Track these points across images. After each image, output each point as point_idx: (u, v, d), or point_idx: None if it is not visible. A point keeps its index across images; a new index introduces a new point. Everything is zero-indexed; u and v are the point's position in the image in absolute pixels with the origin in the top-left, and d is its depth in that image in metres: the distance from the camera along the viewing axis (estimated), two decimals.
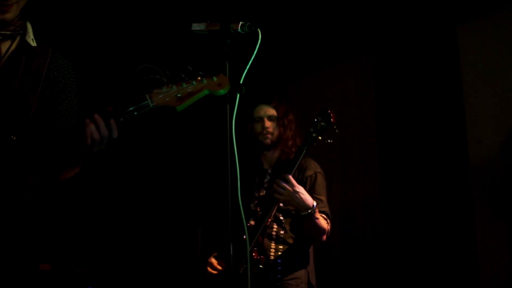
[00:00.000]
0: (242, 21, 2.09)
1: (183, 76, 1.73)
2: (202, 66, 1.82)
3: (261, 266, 2.86)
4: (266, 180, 3.10)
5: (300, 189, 2.82)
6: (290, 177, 2.81)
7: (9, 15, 1.91)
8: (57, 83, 2.04)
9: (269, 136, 3.10)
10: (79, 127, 1.86)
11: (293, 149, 3.09)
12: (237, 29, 2.06)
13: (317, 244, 3.08)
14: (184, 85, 1.73)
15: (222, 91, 1.76)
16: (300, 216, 2.86)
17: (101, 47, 4.13)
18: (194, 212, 4.63)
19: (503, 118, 3.73)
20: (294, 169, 2.87)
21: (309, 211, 2.80)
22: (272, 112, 3.14)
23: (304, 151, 2.89)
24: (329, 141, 2.93)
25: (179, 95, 1.72)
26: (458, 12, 3.96)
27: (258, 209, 2.99)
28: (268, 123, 3.10)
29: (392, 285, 4.08)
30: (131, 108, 1.74)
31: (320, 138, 2.91)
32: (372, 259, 4.28)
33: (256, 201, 3.04)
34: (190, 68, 1.74)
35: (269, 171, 3.13)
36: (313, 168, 3.07)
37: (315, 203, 2.84)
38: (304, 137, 2.96)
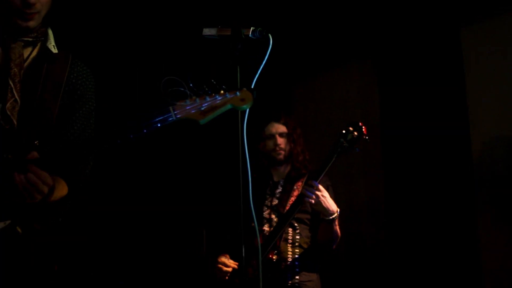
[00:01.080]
0: (250, 25, 2.11)
1: (206, 89, 1.75)
2: (217, 74, 1.84)
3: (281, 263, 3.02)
4: (278, 190, 3.24)
5: (327, 194, 2.97)
6: (317, 183, 2.95)
7: (32, 23, 1.94)
8: (75, 90, 2.06)
9: (282, 152, 3.25)
10: (86, 140, 1.90)
11: (305, 163, 3.27)
12: (248, 34, 2.09)
13: (327, 252, 3.23)
14: (208, 99, 1.75)
15: (245, 106, 1.79)
16: (324, 221, 3.00)
17: (119, 54, 4.16)
18: (199, 213, 4.64)
19: (506, 120, 3.77)
20: (321, 176, 2.99)
21: (334, 215, 2.97)
22: (282, 129, 3.29)
23: (334, 160, 3.02)
24: (358, 151, 3.09)
25: (202, 108, 1.74)
26: (462, 14, 3.99)
27: (273, 216, 3.12)
28: (280, 140, 3.25)
29: (396, 286, 4.13)
30: (155, 120, 1.76)
31: (351, 148, 3.06)
32: (376, 260, 4.32)
33: (269, 210, 3.17)
34: (214, 82, 1.76)
35: (281, 182, 3.27)
36: (324, 180, 3.17)
37: (338, 209, 3.00)
38: (332, 146, 3.07)
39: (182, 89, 1.74)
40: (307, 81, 5.05)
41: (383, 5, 4.18)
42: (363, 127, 3.10)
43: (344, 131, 3.09)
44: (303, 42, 4.67)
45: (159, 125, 1.76)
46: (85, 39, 3.64)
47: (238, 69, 1.99)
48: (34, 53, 2.01)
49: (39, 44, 2.03)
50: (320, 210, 2.96)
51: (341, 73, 4.82)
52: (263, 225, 3.10)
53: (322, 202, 2.92)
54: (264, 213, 3.15)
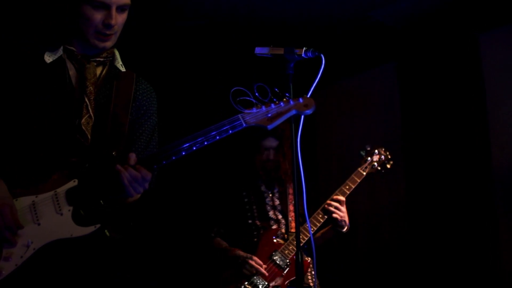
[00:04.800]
0: (302, 45, 2.27)
1: (272, 97, 1.93)
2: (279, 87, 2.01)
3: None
4: (275, 190, 3.41)
5: (345, 209, 3.23)
6: (344, 200, 3.22)
7: (109, 44, 2.11)
8: (141, 106, 2.23)
9: (273, 164, 3.37)
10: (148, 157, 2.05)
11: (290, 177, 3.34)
12: (301, 54, 2.23)
13: None
14: (273, 106, 1.92)
15: (308, 111, 1.96)
16: (336, 232, 3.26)
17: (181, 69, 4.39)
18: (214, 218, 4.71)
19: None
20: (349, 192, 3.26)
21: (346, 229, 3.25)
22: (276, 143, 3.37)
23: (363, 178, 3.32)
24: (383, 172, 3.42)
25: (269, 115, 1.92)
26: (480, 21, 4.10)
27: (280, 217, 3.33)
28: (272, 154, 3.37)
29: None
30: (225, 128, 1.93)
31: (379, 169, 3.40)
32: (398, 266, 4.40)
33: (273, 210, 3.35)
34: (277, 90, 1.93)
35: (275, 182, 3.42)
36: None
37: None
38: (364, 164, 3.37)
39: (249, 98, 1.91)
40: (328, 87, 5.14)
41: (403, 12, 4.27)
42: (388, 152, 3.45)
43: (375, 152, 3.40)
44: (325, 49, 4.79)
45: (230, 132, 1.93)
46: (147, 58, 3.83)
47: (291, 87, 2.14)
48: (104, 72, 2.18)
49: (108, 63, 2.20)
50: (341, 224, 3.20)
51: (364, 80, 4.93)
52: (271, 225, 3.29)
53: (345, 218, 3.19)
54: (269, 213, 3.32)
